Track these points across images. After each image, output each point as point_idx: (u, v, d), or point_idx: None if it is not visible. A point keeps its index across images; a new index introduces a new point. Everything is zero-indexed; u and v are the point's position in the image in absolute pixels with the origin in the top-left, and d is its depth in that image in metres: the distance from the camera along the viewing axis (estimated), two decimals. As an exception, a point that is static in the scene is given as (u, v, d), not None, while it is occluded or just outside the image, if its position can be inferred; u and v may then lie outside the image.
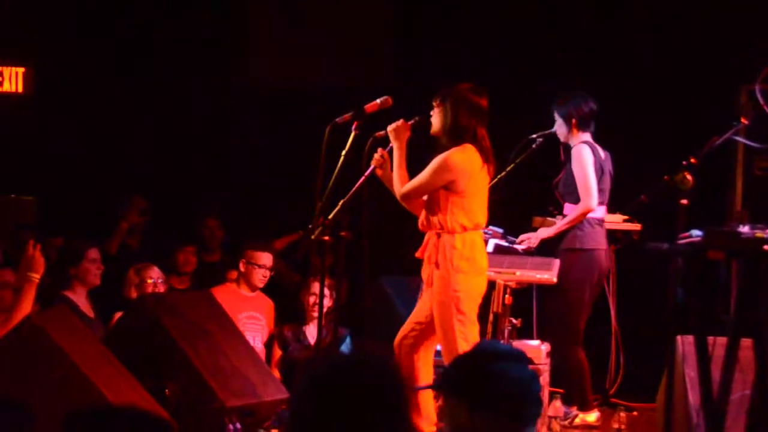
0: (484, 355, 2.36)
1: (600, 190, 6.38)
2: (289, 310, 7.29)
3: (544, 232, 6.44)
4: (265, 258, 7.13)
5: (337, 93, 7.71)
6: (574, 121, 6.40)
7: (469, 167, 5.33)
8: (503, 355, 2.36)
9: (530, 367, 6.08)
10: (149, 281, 6.72)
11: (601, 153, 6.47)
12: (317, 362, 2.05)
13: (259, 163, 8.75)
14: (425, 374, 5.42)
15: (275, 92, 8.73)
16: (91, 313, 6.51)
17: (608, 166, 6.50)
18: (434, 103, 5.44)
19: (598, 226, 6.44)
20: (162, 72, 8.75)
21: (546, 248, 6.44)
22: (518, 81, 7.79)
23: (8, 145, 8.71)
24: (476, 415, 2.25)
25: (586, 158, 6.35)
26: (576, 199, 6.38)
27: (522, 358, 2.37)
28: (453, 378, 2.30)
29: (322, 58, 8.80)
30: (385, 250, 6.53)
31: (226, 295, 7.00)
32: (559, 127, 6.45)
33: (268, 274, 7.14)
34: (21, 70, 9.02)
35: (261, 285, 7.15)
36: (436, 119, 5.43)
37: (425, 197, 5.43)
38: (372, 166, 5.46)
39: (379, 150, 5.49)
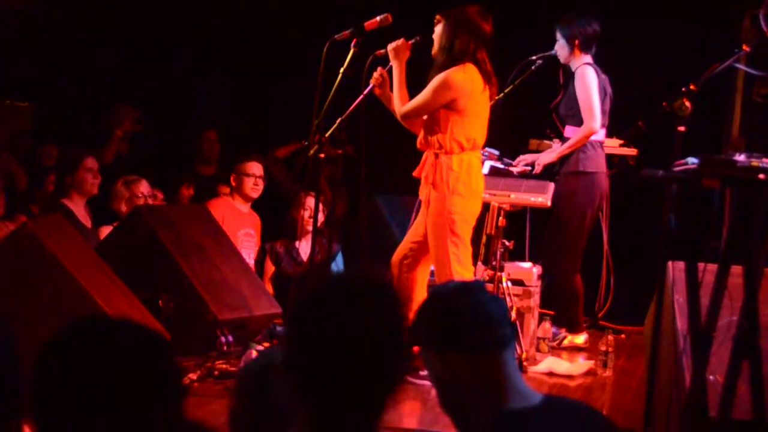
0: (437, 300, 2.29)
1: (602, 112, 6.34)
2: (281, 224, 7.30)
3: (546, 158, 6.38)
4: (255, 167, 7.10)
5: (336, 9, 7.62)
6: (577, 42, 6.31)
7: (469, 86, 5.30)
8: (455, 292, 2.27)
9: (521, 289, 6.11)
10: (140, 195, 6.70)
11: (602, 75, 6.42)
12: (315, 281, 2.04)
13: (257, 77, 8.68)
14: (421, 293, 5.45)
15: (274, 6, 8.62)
16: (88, 223, 6.51)
17: (609, 89, 6.45)
18: (436, 20, 5.39)
19: (600, 149, 6.41)
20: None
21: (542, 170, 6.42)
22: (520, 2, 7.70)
23: (4, 51, 8.62)
24: (445, 358, 2.21)
25: (590, 80, 6.29)
26: (578, 122, 6.32)
27: (473, 289, 2.27)
28: (415, 329, 2.23)
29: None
30: (381, 169, 6.53)
31: (224, 209, 7.01)
32: (561, 48, 6.36)
33: (260, 183, 7.12)
34: (18, -24, 8.90)
35: (254, 195, 7.13)
36: (436, 38, 5.38)
37: (425, 116, 5.42)
38: (371, 85, 5.44)
39: (379, 69, 5.45)
